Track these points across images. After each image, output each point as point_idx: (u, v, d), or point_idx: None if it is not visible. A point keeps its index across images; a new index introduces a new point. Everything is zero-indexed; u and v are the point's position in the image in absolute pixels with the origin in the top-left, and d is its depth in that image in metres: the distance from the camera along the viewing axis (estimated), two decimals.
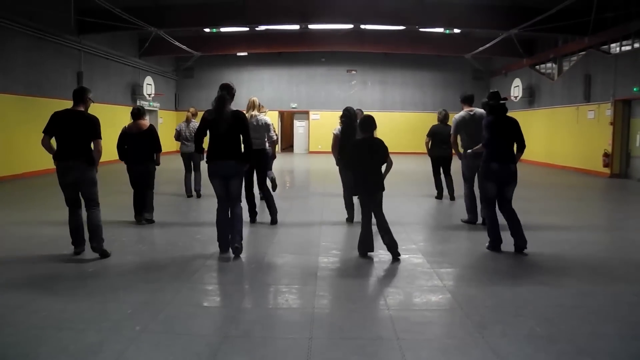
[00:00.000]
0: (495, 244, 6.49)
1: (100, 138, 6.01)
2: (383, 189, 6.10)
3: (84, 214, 6.08)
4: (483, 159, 6.55)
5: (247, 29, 20.98)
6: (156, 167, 8.17)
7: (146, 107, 23.36)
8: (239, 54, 26.27)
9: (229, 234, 6.19)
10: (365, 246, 6.19)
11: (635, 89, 15.14)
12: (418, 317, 4.36)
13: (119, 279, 5.28)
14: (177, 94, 28.24)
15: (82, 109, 6.07)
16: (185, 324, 4.13)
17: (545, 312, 4.41)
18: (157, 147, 8.02)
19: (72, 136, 5.89)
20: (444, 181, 11.01)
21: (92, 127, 5.96)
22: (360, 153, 6.10)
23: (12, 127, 14.35)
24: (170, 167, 14.87)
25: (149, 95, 22.83)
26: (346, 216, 8.42)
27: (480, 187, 6.75)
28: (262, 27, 20.91)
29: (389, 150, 6.17)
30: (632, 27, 15.22)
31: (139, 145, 7.92)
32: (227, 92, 6.12)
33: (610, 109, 16.42)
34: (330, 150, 8.47)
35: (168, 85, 27.07)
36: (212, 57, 26.45)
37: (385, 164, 6.18)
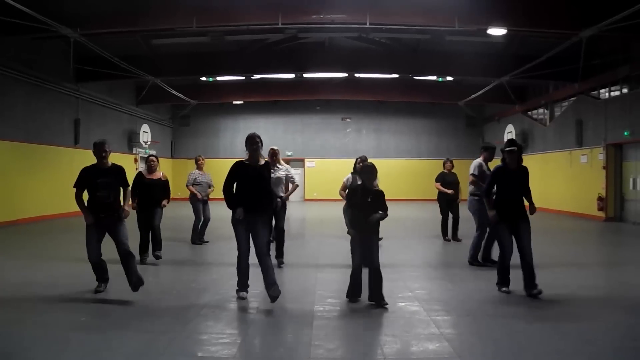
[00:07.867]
0: (505, 284, 6.71)
1: (128, 185, 6.71)
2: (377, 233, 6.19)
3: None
4: (495, 201, 6.81)
5: (243, 77, 21.32)
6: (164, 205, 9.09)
7: (142, 155, 23.53)
8: (234, 102, 26.58)
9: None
10: (353, 291, 6.18)
11: (626, 133, 15.36)
12: None
13: (112, 328, 5.17)
14: (173, 141, 28.44)
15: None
16: None
17: (544, 359, 4.34)
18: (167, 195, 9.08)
19: (105, 187, 6.37)
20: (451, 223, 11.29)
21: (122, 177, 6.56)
22: (354, 197, 6.17)
23: (9, 173, 14.35)
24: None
25: (145, 142, 22.97)
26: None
27: (495, 229, 7.15)
28: (257, 76, 21.23)
29: (385, 197, 6.18)
30: (620, 73, 15.58)
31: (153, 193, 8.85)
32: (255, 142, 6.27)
33: (603, 153, 16.62)
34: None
35: (164, 133, 27.28)
36: (208, 106, 26.76)
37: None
